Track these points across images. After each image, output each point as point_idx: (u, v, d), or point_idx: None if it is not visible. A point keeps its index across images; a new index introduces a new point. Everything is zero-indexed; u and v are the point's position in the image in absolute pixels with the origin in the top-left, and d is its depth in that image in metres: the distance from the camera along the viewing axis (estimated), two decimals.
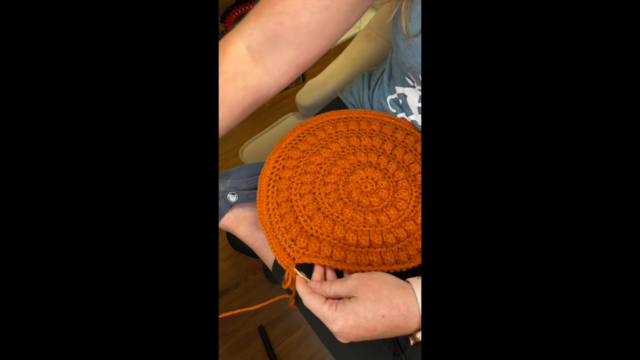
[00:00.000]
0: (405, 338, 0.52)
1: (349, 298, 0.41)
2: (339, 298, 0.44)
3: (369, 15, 0.78)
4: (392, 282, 0.41)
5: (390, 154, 0.57)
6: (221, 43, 0.49)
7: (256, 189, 0.59)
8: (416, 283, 0.41)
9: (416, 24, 0.47)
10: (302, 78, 1.51)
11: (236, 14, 1.44)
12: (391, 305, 0.39)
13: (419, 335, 0.40)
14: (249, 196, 0.58)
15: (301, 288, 0.45)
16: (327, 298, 0.44)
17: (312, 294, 0.43)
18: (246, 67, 0.49)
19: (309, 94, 0.83)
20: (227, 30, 1.42)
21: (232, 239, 1.01)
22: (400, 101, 0.62)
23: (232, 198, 0.58)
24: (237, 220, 0.61)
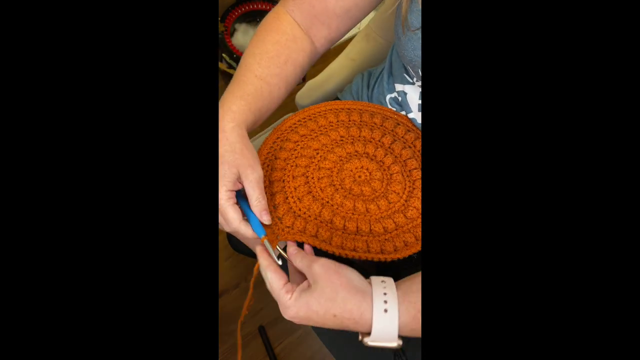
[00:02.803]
0: (406, 339, 0.52)
1: (308, 286, 0.41)
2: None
3: (369, 15, 0.78)
4: (353, 284, 0.41)
5: (389, 147, 0.57)
6: (271, 13, 0.56)
7: None
8: (377, 287, 0.41)
9: (416, 20, 0.48)
10: (302, 78, 1.51)
11: (236, 14, 1.44)
12: (344, 308, 0.39)
13: (366, 340, 0.40)
14: None
15: (265, 261, 0.44)
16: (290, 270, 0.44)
17: (275, 272, 0.43)
18: (300, 32, 0.56)
19: (308, 94, 0.83)
20: (227, 30, 1.42)
21: (232, 239, 1.01)
22: (400, 99, 0.62)
23: None
24: None
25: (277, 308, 0.42)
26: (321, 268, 0.41)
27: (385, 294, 0.40)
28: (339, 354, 0.56)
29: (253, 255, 0.71)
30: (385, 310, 0.39)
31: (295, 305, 0.40)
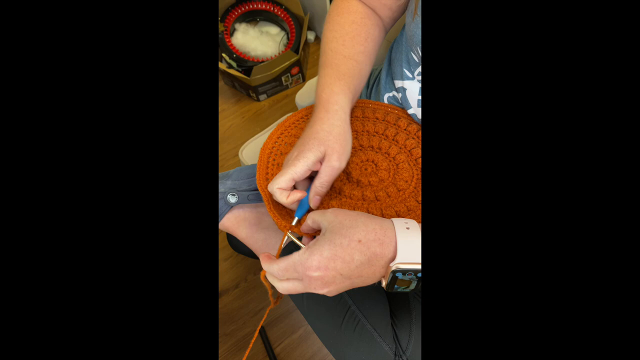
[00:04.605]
0: (406, 338, 0.52)
1: (323, 234, 0.39)
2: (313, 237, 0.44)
3: None
4: (370, 215, 0.40)
5: (393, 139, 0.58)
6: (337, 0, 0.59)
7: (257, 190, 0.59)
8: (397, 219, 0.40)
9: None
10: (302, 78, 1.51)
11: (236, 13, 1.44)
12: (367, 229, 0.38)
13: (392, 265, 0.37)
14: (249, 197, 0.58)
15: (266, 262, 0.43)
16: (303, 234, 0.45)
17: (277, 260, 0.41)
18: (369, 10, 0.57)
19: (308, 94, 0.83)
20: (227, 30, 1.42)
21: (232, 239, 1.01)
22: (400, 95, 0.62)
23: (232, 199, 0.58)
24: (237, 222, 0.61)
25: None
26: (334, 210, 0.41)
27: (405, 219, 0.40)
28: (339, 354, 0.56)
29: (253, 256, 0.71)
30: (408, 228, 0.38)
31: (316, 250, 0.38)
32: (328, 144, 0.46)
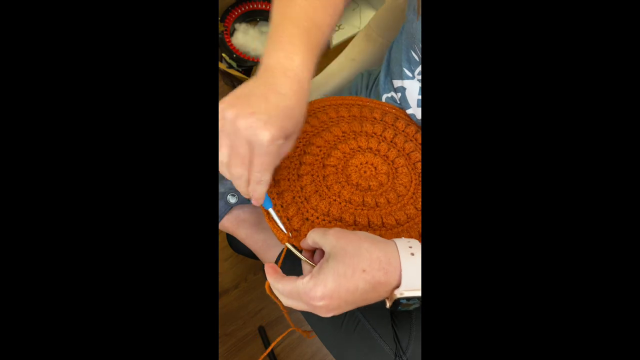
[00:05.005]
0: (407, 338, 0.52)
1: (325, 261, 0.38)
2: (314, 252, 0.43)
3: (369, 15, 0.78)
4: (372, 237, 0.39)
5: (391, 141, 0.57)
6: None
7: None
8: (401, 241, 0.39)
9: None
10: None
11: (236, 13, 1.44)
12: (372, 258, 0.37)
13: (396, 292, 0.38)
14: None
15: (271, 276, 0.42)
16: (304, 249, 0.43)
17: (282, 280, 0.40)
18: None
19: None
20: (227, 30, 1.42)
21: (232, 240, 1.01)
22: (399, 95, 0.62)
23: (232, 199, 0.58)
24: (237, 222, 0.61)
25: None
26: (336, 232, 0.40)
27: (409, 241, 0.39)
28: (339, 355, 0.56)
29: (253, 256, 0.71)
30: (412, 254, 0.38)
31: (320, 280, 0.37)
32: (300, 125, 0.42)
